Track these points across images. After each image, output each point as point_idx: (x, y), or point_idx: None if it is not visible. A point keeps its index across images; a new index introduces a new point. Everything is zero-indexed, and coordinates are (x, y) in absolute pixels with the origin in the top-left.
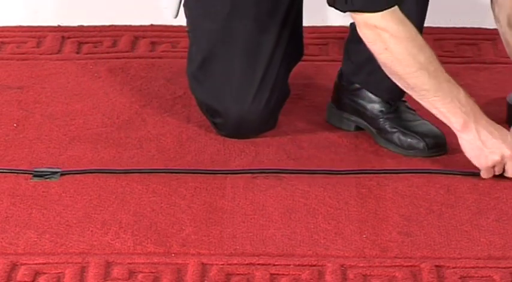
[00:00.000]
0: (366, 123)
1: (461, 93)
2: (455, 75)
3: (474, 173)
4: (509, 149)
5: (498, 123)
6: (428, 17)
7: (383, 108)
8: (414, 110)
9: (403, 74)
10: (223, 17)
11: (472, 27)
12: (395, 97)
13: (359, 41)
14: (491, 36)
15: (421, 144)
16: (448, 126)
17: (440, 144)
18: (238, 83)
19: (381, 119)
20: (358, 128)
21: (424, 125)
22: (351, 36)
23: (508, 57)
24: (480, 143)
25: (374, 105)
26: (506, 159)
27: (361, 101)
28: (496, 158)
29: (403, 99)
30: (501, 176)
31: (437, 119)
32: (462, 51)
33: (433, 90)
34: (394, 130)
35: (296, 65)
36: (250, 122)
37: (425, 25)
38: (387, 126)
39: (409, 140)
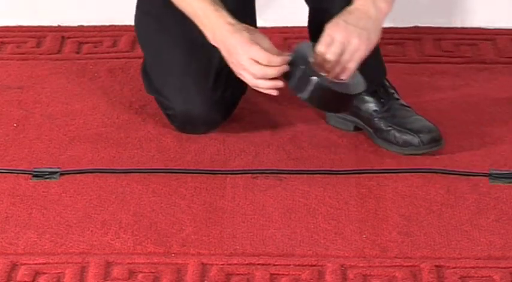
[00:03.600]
0: (362, 123)
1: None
2: (455, 76)
3: (474, 173)
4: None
5: (499, 123)
6: (428, 17)
7: (377, 108)
8: (409, 107)
9: None
10: (157, 9)
11: (472, 27)
12: (373, 80)
13: (321, 23)
14: (491, 36)
15: (416, 140)
16: (444, 122)
17: (435, 138)
18: (179, 74)
19: (375, 119)
20: (358, 128)
21: (418, 121)
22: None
23: (508, 57)
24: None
25: (368, 105)
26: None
27: (355, 102)
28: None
29: (396, 97)
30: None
31: (431, 115)
32: (462, 51)
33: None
34: (389, 128)
35: None
36: (196, 114)
37: (425, 25)
38: (382, 125)
39: (404, 137)
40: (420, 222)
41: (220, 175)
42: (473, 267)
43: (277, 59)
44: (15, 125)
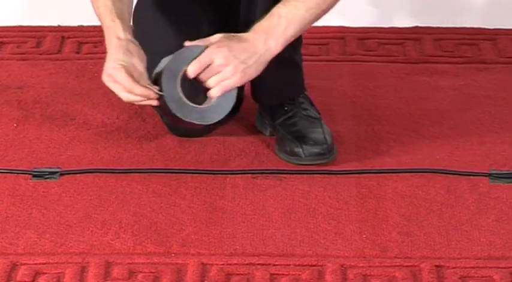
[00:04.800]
0: (272, 129)
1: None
2: (455, 76)
3: (474, 173)
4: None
5: (499, 123)
6: (428, 17)
7: (279, 114)
8: (317, 118)
9: None
10: (143, 25)
11: (472, 27)
12: (283, 96)
13: None
14: (491, 36)
15: (301, 151)
16: (444, 122)
17: (320, 152)
18: None
19: (276, 125)
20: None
21: (312, 133)
22: None
23: (508, 57)
24: None
25: (272, 110)
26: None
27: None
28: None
29: (305, 107)
30: None
31: (431, 115)
32: (462, 51)
33: None
34: (283, 136)
35: None
36: None
37: (425, 25)
38: (280, 132)
39: (292, 146)
40: (420, 222)
41: (220, 175)
42: (473, 267)
43: (137, 90)
44: (15, 125)
